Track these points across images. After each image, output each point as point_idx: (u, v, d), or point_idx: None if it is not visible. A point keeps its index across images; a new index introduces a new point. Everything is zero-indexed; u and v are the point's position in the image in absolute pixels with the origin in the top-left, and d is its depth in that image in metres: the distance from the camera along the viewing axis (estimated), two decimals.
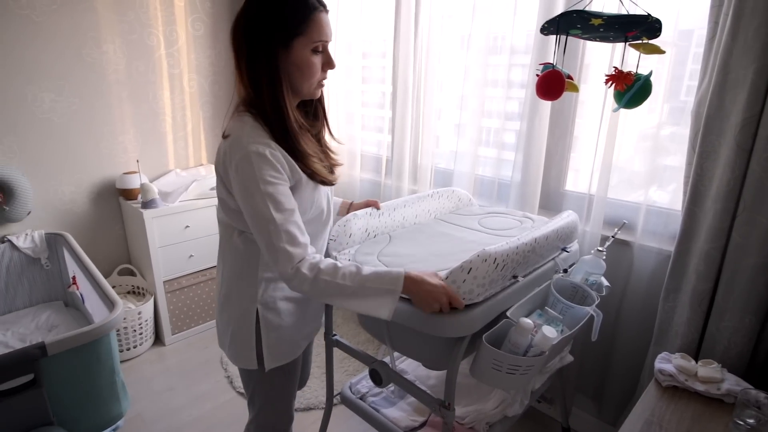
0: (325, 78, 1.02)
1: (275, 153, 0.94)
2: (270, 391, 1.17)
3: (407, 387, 1.16)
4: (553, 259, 1.29)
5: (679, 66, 1.43)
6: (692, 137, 1.28)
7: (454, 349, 1.02)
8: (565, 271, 1.34)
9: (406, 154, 2.09)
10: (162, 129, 2.46)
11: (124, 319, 2.12)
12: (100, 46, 2.17)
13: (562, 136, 1.70)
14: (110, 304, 1.28)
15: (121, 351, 2.18)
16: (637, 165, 1.55)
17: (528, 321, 0.99)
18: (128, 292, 2.39)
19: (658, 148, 1.47)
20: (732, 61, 1.12)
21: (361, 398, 1.39)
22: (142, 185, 2.18)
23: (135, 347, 2.22)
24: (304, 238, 0.96)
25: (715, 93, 1.16)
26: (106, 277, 2.35)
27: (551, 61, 1.40)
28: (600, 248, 1.32)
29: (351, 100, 2.30)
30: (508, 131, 1.83)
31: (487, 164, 1.91)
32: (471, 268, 0.98)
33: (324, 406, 1.89)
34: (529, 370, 1.04)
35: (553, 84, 1.01)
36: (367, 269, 0.95)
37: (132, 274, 2.40)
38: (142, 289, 2.37)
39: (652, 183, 1.49)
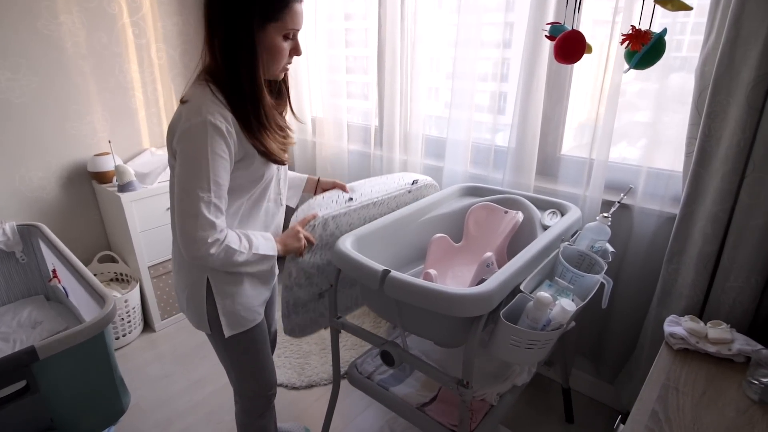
0: (290, 63, 1.05)
1: (230, 129, 0.96)
2: (239, 356, 1.20)
3: (422, 367, 1.14)
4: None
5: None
6: (696, 97, 1.25)
7: (472, 328, 1.00)
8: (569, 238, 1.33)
9: (396, 123, 2.02)
10: (132, 105, 2.30)
11: None
12: (57, 16, 1.98)
13: (559, 99, 1.65)
14: (99, 299, 1.20)
15: None
16: (615, 123, 1.53)
17: (547, 296, 0.97)
18: (111, 280, 2.29)
19: (632, 106, 1.46)
20: (744, 15, 1.07)
21: (368, 377, 1.37)
22: (116, 167, 2.05)
23: (124, 335, 2.15)
24: (225, 209, 1.00)
25: (725, 51, 1.12)
26: (85, 266, 2.24)
27: (555, 20, 1.33)
28: (605, 214, 1.30)
29: (334, 67, 2.18)
30: (502, 95, 1.77)
31: (481, 131, 1.86)
32: None
33: (325, 383, 1.90)
34: (547, 344, 1.03)
35: (573, 46, 0.95)
36: (259, 237, 1.07)
37: (113, 260, 2.30)
38: (126, 275, 2.27)
39: (625, 139, 1.48)
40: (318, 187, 1.41)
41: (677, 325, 1.16)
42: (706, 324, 1.13)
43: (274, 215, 1.20)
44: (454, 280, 1.34)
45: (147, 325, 2.32)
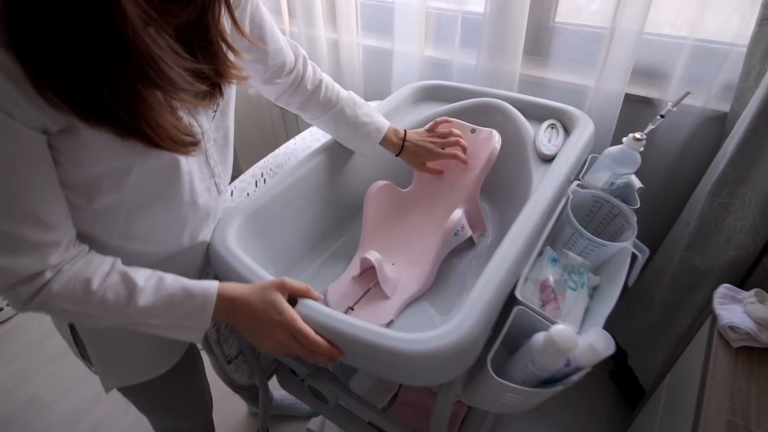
0: None
1: None
2: (147, 403, 0.86)
3: (368, 416, 0.76)
4: None
5: None
6: None
7: (440, 393, 0.60)
8: (578, 179, 0.88)
9: None
10: None
11: None
12: None
13: None
14: None
15: None
16: None
17: (568, 332, 0.56)
18: None
19: None
20: None
21: (303, 379, 1.01)
22: None
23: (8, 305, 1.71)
24: (46, 235, 0.48)
25: None
26: None
27: None
28: (638, 135, 0.83)
29: None
30: None
31: None
32: None
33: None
34: (556, 392, 0.65)
35: None
36: (146, 293, 0.53)
37: None
38: None
39: None
40: (404, 151, 0.88)
41: (735, 303, 0.79)
42: None
43: (206, 217, 0.67)
44: (409, 259, 0.89)
45: None
